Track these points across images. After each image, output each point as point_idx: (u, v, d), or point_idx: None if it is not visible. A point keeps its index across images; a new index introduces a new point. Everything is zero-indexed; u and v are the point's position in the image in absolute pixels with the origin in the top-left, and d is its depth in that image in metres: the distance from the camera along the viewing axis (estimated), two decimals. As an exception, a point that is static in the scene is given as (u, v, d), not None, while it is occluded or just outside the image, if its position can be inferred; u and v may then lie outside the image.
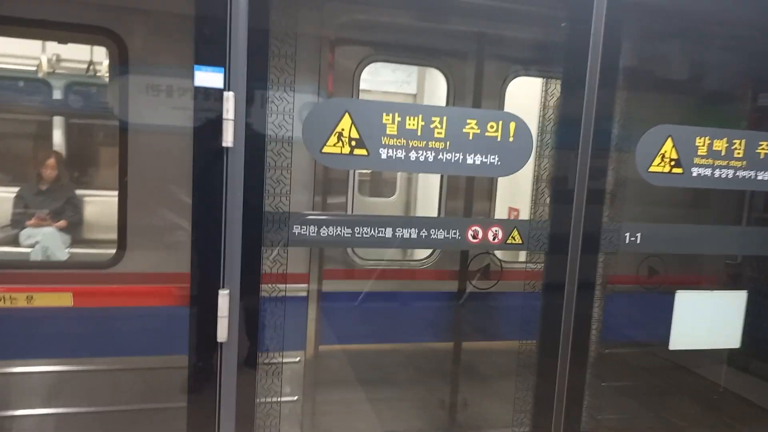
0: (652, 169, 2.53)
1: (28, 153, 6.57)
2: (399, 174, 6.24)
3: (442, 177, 3.66)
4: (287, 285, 3.30)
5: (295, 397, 3.43)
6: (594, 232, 2.51)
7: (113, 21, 2.88)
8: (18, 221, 6.12)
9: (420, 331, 3.56)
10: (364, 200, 7.36)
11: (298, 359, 3.41)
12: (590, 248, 2.51)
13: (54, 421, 2.82)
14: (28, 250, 5.88)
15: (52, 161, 6.15)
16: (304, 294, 3.33)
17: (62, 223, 6.13)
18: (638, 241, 2.60)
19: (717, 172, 2.63)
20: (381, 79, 6.34)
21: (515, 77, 3.63)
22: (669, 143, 2.54)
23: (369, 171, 7.20)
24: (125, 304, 2.71)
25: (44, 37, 3.98)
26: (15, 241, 6.05)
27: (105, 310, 2.64)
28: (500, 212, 3.94)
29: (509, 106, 3.68)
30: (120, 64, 2.93)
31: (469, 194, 3.60)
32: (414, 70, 5.16)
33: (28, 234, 6.05)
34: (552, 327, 2.53)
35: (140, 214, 2.99)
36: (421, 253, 3.67)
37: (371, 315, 3.53)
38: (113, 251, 2.96)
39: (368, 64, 3.36)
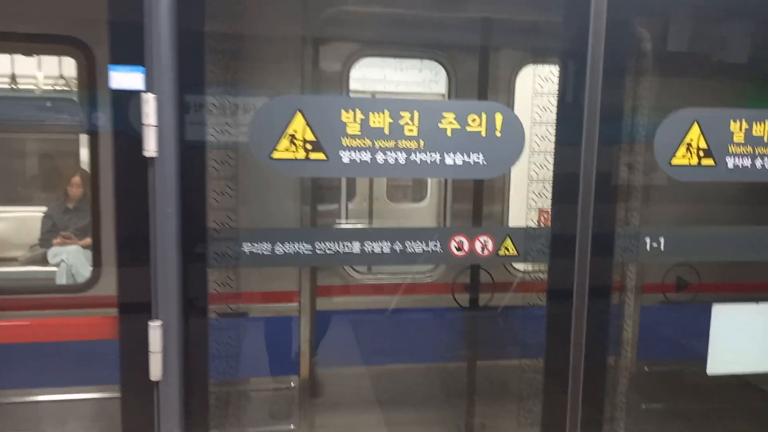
0: (675, 161, 2.13)
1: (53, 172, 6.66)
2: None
3: (446, 179, 3.32)
4: (278, 305, 3.08)
5: (291, 426, 3.16)
6: (605, 239, 2.13)
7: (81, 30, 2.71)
8: (46, 240, 6.17)
9: (422, 351, 3.23)
10: (393, 208, 7.06)
11: (291, 384, 3.14)
12: (601, 257, 2.12)
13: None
14: (55, 269, 5.91)
15: (77, 179, 6.18)
16: (296, 314, 3.06)
17: (87, 240, 6.13)
18: (661, 248, 2.19)
19: (759, 162, 2.18)
20: (406, 79, 6.05)
21: (525, 65, 3.25)
22: (695, 130, 2.13)
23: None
24: (48, 338, 2.49)
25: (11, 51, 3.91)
26: (44, 260, 6.10)
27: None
28: (521, 217, 3.54)
29: (522, 100, 3.31)
30: (88, 74, 2.77)
31: (477, 196, 3.24)
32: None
33: (54, 253, 6.09)
34: (558, 346, 2.16)
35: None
36: (426, 266, 3.33)
37: (371, 334, 3.23)
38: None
39: (356, 60, 3.07)
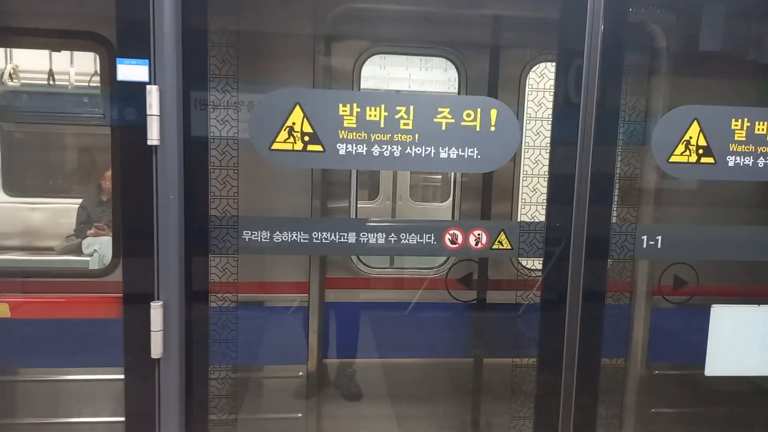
0: (674, 159, 2.12)
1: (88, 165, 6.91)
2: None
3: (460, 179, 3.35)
4: (291, 294, 3.17)
5: (299, 414, 3.24)
6: (600, 235, 2.14)
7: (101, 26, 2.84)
8: (81, 231, 6.42)
9: (424, 346, 3.27)
10: (417, 207, 7.09)
11: (300, 374, 3.22)
12: (597, 253, 2.13)
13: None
14: (88, 258, 6.15)
15: (109, 173, 6.41)
16: (305, 305, 3.14)
17: (118, 232, 6.35)
18: (658, 246, 2.19)
19: (761, 162, 2.16)
20: (430, 78, 6.07)
21: (537, 63, 3.25)
22: (695, 128, 2.12)
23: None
24: (61, 315, 2.66)
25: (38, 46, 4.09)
26: (78, 250, 6.35)
27: (38, 321, 2.61)
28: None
29: (535, 96, 3.32)
30: (109, 68, 2.89)
31: (486, 193, 3.26)
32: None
33: (88, 243, 6.33)
34: (551, 346, 2.18)
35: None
36: (436, 261, 3.37)
37: (377, 327, 3.28)
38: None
39: (368, 58, 3.13)
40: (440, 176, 6.88)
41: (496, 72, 3.19)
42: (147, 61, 1.77)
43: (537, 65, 3.27)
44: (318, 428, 3.35)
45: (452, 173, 5.82)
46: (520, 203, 3.34)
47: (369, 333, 3.30)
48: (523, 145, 2.95)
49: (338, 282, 3.24)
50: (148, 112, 1.77)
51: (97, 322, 2.70)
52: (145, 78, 1.78)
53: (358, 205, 3.45)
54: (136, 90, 1.79)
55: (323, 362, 3.31)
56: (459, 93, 3.32)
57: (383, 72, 6.04)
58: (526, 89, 3.23)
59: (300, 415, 3.25)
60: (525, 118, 3.03)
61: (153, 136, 1.78)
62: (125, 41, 1.78)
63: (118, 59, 1.77)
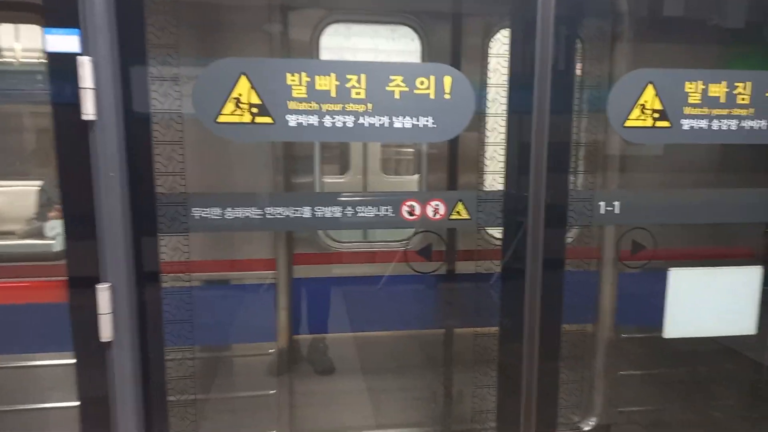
0: (629, 123, 2.10)
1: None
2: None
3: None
4: (256, 272, 3.12)
5: (272, 391, 3.23)
6: (559, 203, 2.12)
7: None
8: (43, 214, 6.23)
9: (394, 318, 3.26)
10: (388, 181, 7.01)
11: (271, 351, 3.20)
12: (555, 221, 2.12)
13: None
14: (52, 241, 5.98)
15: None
16: (273, 281, 3.09)
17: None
18: (616, 211, 2.18)
19: (716, 124, 2.15)
20: (398, 48, 5.94)
21: (500, 30, 3.19)
22: (650, 91, 2.10)
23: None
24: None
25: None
26: (41, 234, 6.18)
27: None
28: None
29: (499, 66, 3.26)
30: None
31: (452, 164, 3.22)
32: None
33: (51, 226, 6.15)
34: (513, 314, 2.18)
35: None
36: (403, 234, 3.34)
37: (348, 302, 3.26)
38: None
39: (325, 27, 3.04)
40: (412, 148, 6.80)
41: (458, 40, 3.13)
42: (78, 30, 1.67)
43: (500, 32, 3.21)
44: (291, 403, 3.34)
45: (422, 144, 5.78)
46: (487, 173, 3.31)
47: (338, 308, 3.28)
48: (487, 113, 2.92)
49: (307, 258, 3.20)
50: (80, 85, 1.68)
51: (55, 306, 2.63)
52: (76, 49, 1.68)
53: (329, 180, 3.39)
54: (69, 62, 1.69)
55: (293, 338, 3.29)
56: (422, 62, 3.26)
57: (349, 42, 5.90)
58: (489, 57, 3.17)
59: (273, 391, 3.24)
60: (488, 85, 2.98)
61: (88, 111, 1.70)
62: (53, 9, 1.68)
63: (45, 29, 1.67)
